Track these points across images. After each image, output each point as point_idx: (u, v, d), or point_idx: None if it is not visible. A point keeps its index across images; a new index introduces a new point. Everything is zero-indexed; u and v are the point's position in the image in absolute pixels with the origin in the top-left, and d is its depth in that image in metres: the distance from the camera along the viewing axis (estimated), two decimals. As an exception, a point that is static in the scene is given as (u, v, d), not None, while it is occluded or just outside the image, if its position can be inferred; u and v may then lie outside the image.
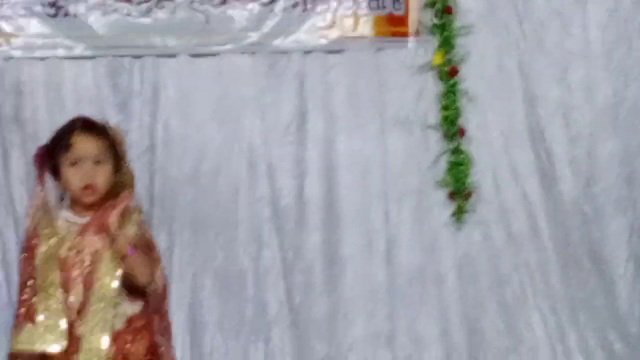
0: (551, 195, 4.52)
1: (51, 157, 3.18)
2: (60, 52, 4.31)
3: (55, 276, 3.05)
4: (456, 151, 4.46)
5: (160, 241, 4.10)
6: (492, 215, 4.51)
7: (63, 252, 3.08)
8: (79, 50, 4.32)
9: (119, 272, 3.04)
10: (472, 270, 4.50)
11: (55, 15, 4.31)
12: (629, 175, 4.57)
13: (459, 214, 4.46)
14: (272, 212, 4.37)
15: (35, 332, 3.05)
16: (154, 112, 4.34)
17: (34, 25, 4.29)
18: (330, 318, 4.40)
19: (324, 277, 4.41)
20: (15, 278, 3.98)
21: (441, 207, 4.49)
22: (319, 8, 4.42)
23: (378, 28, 4.47)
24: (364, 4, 4.44)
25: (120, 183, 3.22)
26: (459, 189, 4.45)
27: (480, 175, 4.50)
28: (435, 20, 4.44)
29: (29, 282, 3.11)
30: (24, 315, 3.08)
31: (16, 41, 4.29)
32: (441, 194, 4.49)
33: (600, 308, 4.52)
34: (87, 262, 3.07)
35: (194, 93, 4.38)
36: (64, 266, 3.06)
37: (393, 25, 4.49)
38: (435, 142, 4.50)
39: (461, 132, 4.44)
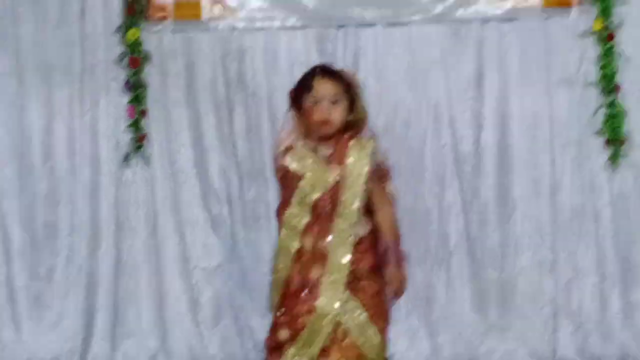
0: None
1: (298, 96, 3.44)
2: (276, 23, 4.83)
3: (309, 207, 3.29)
4: (612, 105, 4.79)
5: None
6: None
7: (316, 194, 3.32)
8: (291, 21, 4.83)
9: (359, 198, 3.26)
10: (625, 207, 4.83)
11: None
12: None
13: (614, 158, 4.80)
14: (453, 158, 4.81)
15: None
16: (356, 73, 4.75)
17: (254, 1, 4.83)
18: (501, 249, 4.84)
19: (497, 214, 4.84)
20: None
21: (599, 153, 4.82)
22: None
23: None
24: None
25: (354, 120, 3.44)
26: (614, 138, 4.79)
27: (633, 125, 4.81)
28: None
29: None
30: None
31: (239, 14, 4.83)
32: (599, 142, 4.82)
33: None
34: (332, 188, 3.27)
35: (388, 57, 4.82)
36: (316, 201, 3.32)
37: None
38: (594, 97, 4.82)
39: (617, 89, 4.77)
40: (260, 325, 4.60)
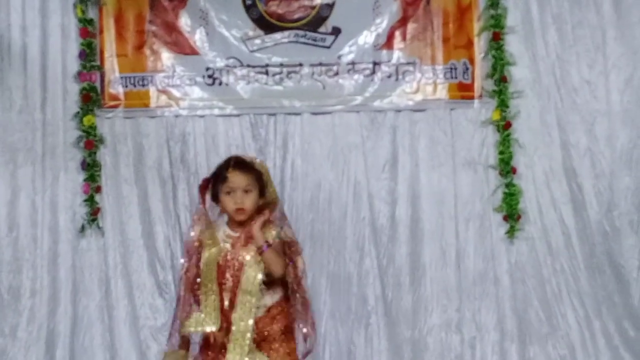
0: (581, 218, 5.25)
1: (213, 186, 3.68)
2: (216, 111, 5.26)
3: (214, 277, 3.54)
4: (509, 185, 5.23)
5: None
6: (537, 233, 5.26)
7: (221, 259, 3.61)
8: (228, 110, 5.26)
9: (261, 270, 3.49)
10: (521, 274, 5.25)
11: (212, 84, 5.26)
12: None
13: (511, 232, 5.24)
14: (371, 230, 5.23)
15: (199, 319, 3.60)
16: (284, 155, 5.22)
17: (196, 92, 5.26)
18: (414, 309, 5.23)
19: (409, 278, 5.24)
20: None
21: (498, 227, 5.26)
22: (407, 78, 5.26)
23: (451, 92, 5.26)
24: (440, 75, 5.26)
25: (265, 204, 3.68)
26: (511, 213, 5.23)
27: (527, 203, 5.25)
28: (494, 87, 5.26)
29: (198, 280, 3.61)
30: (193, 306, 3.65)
31: (183, 103, 5.26)
32: (498, 217, 5.26)
33: (618, 303, 5.23)
34: (237, 266, 3.52)
35: (313, 142, 5.26)
36: (220, 269, 3.56)
37: (462, 91, 5.28)
38: (494, 178, 5.27)
39: (513, 171, 5.22)
40: None
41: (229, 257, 3.57)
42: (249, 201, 3.61)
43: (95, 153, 5.22)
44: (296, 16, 5.26)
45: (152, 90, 5.25)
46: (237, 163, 3.68)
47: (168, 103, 5.24)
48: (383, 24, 5.26)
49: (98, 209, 5.22)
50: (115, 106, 5.25)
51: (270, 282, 3.56)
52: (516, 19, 5.29)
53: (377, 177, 5.28)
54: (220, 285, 3.56)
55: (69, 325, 5.19)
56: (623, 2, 5.29)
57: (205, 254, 3.60)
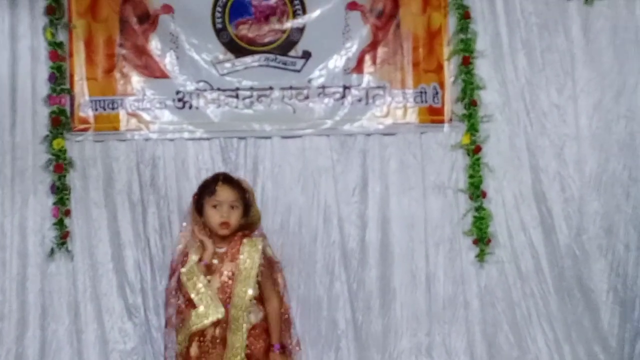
0: (550, 242, 5.30)
1: (197, 199, 3.77)
2: (186, 135, 5.25)
3: (201, 271, 3.65)
4: (479, 209, 5.27)
5: (258, 274, 5.02)
6: (506, 256, 5.31)
7: (203, 279, 3.73)
8: (199, 133, 5.25)
9: (252, 285, 3.62)
10: (491, 298, 5.29)
11: (182, 108, 5.26)
12: (609, 227, 5.32)
13: (481, 255, 5.28)
14: (341, 253, 5.24)
15: (200, 313, 3.67)
16: (254, 179, 5.16)
17: (166, 115, 5.25)
18: (384, 333, 5.27)
19: (379, 302, 5.27)
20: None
21: (468, 250, 5.29)
22: (377, 102, 5.29)
23: (421, 116, 5.29)
24: (410, 99, 5.28)
25: (248, 222, 3.78)
26: (481, 237, 5.27)
27: (497, 227, 5.30)
28: (464, 111, 5.29)
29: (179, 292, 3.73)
30: (184, 310, 3.72)
31: (153, 127, 5.24)
32: (468, 241, 5.30)
33: (588, 327, 5.29)
34: (226, 281, 3.61)
35: (284, 165, 5.26)
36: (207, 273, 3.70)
37: (432, 115, 5.31)
38: (463, 201, 5.30)
39: (483, 195, 5.26)
40: None
41: (218, 270, 3.68)
42: (234, 217, 3.74)
43: (64, 176, 5.20)
44: (266, 40, 5.28)
45: (122, 114, 5.24)
46: (226, 178, 3.83)
47: (138, 126, 5.24)
48: (353, 48, 5.28)
49: (67, 233, 5.21)
50: (85, 129, 5.24)
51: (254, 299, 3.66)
52: (486, 44, 5.33)
53: (347, 200, 5.29)
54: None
55: (38, 350, 5.17)
56: (592, 28, 5.35)
57: (192, 256, 3.72)
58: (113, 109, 5.25)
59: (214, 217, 3.71)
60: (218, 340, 3.75)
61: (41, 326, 5.21)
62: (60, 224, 5.23)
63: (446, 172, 5.34)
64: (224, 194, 3.75)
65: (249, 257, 3.66)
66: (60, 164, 5.20)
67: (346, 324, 5.22)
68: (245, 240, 3.72)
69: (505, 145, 5.35)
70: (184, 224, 4.22)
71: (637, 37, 5.38)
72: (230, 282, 3.62)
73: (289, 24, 5.31)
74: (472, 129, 5.29)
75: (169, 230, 5.22)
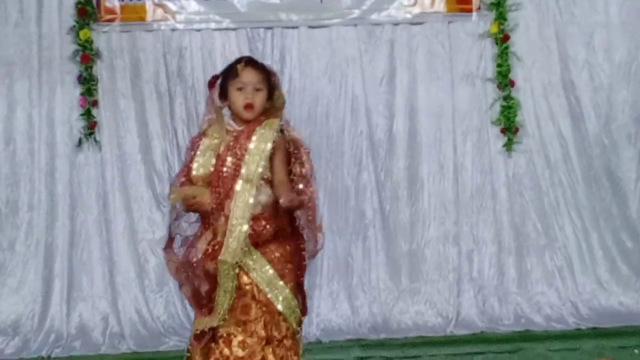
0: (579, 131, 5.35)
1: (222, 83, 3.61)
2: (212, 25, 5.28)
3: (212, 164, 3.46)
4: (507, 98, 5.31)
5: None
6: (534, 146, 5.36)
7: (222, 150, 3.55)
8: (225, 23, 5.29)
9: (263, 162, 3.42)
10: (518, 187, 5.36)
11: None
12: (638, 116, 5.37)
13: (509, 145, 5.33)
14: (369, 144, 5.29)
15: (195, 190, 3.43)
16: (281, 69, 5.21)
17: (193, 5, 5.29)
18: (411, 223, 5.36)
19: (407, 192, 5.35)
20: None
21: (496, 140, 5.34)
22: None
23: (449, 5, 5.31)
24: None
25: (272, 107, 3.64)
26: (509, 127, 5.31)
27: (525, 116, 5.34)
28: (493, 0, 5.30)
29: (189, 165, 3.51)
30: (184, 181, 3.50)
31: (179, 17, 5.28)
32: (496, 130, 5.34)
33: (616, 215, 5.38)
34: (239, 155, 3.44)
35: (311, 55, 5.30)
36: (219, 158, 3.51)
37: (461, 3, 5.32)
38: (491, 91, 5.34)
39: (511, 84, 5.29)
40: None
41: (230, 146, 3.54)
42: (259, 99, 3.60)
43: (91, 67, 5.22)
44: None
45: (149, 4, 5.25)
46: (250, 61, 3.68)
47: (164, 17, 5.25)
48: None
49: (95, 123, 5.25)
50: (112, 20, 5.25)
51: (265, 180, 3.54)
52: None
53: (375, 91, 5.33)
54: (218, 173, 3.52)
55: (67, 239, 5.25)
56: None
57: (205, 142, 3.59)
58: (139, -1, 5.20)
59: (239, 99, 3.59)
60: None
61: (70, 216, 5.28)
62: (87, 114, 5.27)
63: (474, 62, 5.36)
64: (248, 75, 3.60)
65: (263, 136, 3.53)
66: (87, 55, 5.22)
67: (374, 213, 5.28)
68: (264, 121, 3.59)
69: (534, 34, 5.36)
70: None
71: None
72: (242, 157, 3.50)
73: None
74: (501, 18, 5.30)
75: (196, 120, 5.25)
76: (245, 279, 3.45)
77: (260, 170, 3.45)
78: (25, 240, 5.26)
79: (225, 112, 3.63)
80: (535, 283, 5.36)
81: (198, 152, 3.56)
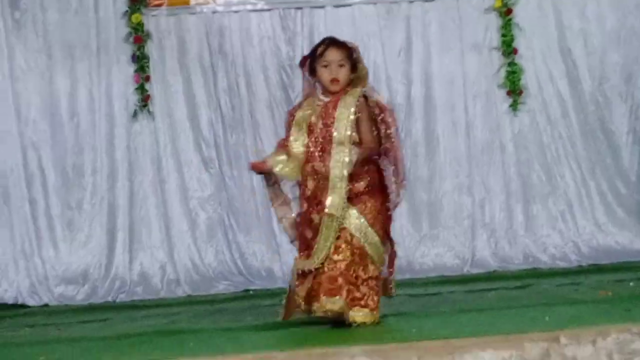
0: (575, 91, 5.85)
1: (310, 63, 3.90)
2: (249, 7, 5.85)
3: (305, 130, 3.79)
4: (511, 64, 5.82)
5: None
6: (537, 105, 5.85)
7: (313, 119, 3.84)
8: (260, 5, 5.85)
9: (350, 126, 3.70)
10: (524, 142, 5.85)
11: None
12: (628, 76, 5.85)
13: (514, 105, 5.84)
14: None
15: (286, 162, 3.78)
16: (310, 45, 5.28)
17: None
18: (430, 176, 5.85)
19: (424, 149, 5.85)
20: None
21: (502, 101, 5.85)
22: None
23: None
24: None
25: (357, 78, 3.91)
26: (514, 89, 5.82)
27: (527, 80, 5.83)
28: None
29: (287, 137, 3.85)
30: (282, 145, 3.81)
31: (220, 0, 5.84)
32: (502, 92, 5.85)
33: (610, 165, 5.86)
34: (328, 124, 3.73)
35: (336, 31, 5.42)
36: (311, 127, 3.83)
37: None
38: (497, 58, 5.85)
39: (514, 51, 5.80)
40: (244, 241, 5.69)
41: (321, 116, 3.83)
42: (342, 73, 3.90)
43: (143, 47, 5.79)
44: None
45: (193, -11, 5.73)
46: (332, 41, 3.96)
47: (206, 1, 5.80)
48: None
49: (148, 96, 5.81)
50: (160, 5, 5.82)
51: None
52: None
53: (394, 61, 5.84)
54: (313, 139, 3.83)
55: (127, 199, 5.81)
56: None
57: (299, 113, 3.96)
58: (184, -14, 5.74)
59: (325, 75, 3.91)
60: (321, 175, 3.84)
61: (129, 178, 5.85)
62: (141, 88, 5.84)
63: (481, 33, 5.86)
64: (331, 54, 3.92)
65: (348, 102, 3.83)
66: (139, 36, 5.80)
67: (396, 169, 5.79)
68: (348, 90, 3.91)
69: (533, 7, 5.87)
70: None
71: None
72: (331, 124, 3.80)
73: None
74: (504, -7, 5.75)
75: (237, 91, 5.86)
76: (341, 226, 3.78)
77: (349, 132, 3.76)
78: (91, 199, 5.81)
79: (317, 85, 4.00)
80: (541, 226, 5.84)
81: (293, 124, 3.88)
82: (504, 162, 5.89)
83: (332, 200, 3.69)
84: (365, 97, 3.85)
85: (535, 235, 5.85)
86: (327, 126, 3.79)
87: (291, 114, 3.96)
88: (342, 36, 5.28)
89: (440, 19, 5.86)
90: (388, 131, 3.87)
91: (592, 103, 5.89)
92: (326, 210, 3.69)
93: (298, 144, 3.85)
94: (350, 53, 3.90)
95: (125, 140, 5.86)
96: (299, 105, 3.97)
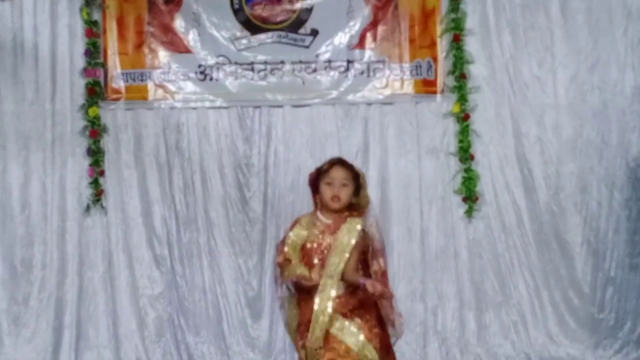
0: (531, 199, 5.83)
1: (314, 180, 4.01)
2: (207, 104, 5.83)
3: (298, 252, 3.86)
4: (468, 170, 5.81)
5: (272, 227, 5.62)
6: (492, 212, 5.83)
7: (308, 245, 3.90)
8: (218, 102, 5.84)
9: (346, 256, 3.74)
10: (478, 249, 5.83)
11: (203, 80, 5.85)
12: (583, 186, 5.84)
13: (469, 212, 5.82)
14: None
15: (293, 268, 3.85)
16: (268, 143, 5.77)
17: (190, 86, 5.85)
18: None
19: None
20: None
21: (457, 207, 5.82)
22: (378, 75, 5.86)
23: (417, 88, 5.85)
24: (407, 72, 5.85)
25: (357, 203, 3.97)
26: (470, 195, 5.81)
27: (484, 186, 5.83)
28: (455, 83, 5.83)
29: (282, 250, 3.91)
30: (283, 262, 3.86)
31: (178, 96, 5.84)
32: (458, 199, 5.83)
33: (564, 275, 5.83)
34: (324, 249, 3.81)
35: (294, 131, 5.81)
36: (306, 251, 3.88)
37: (427, 86, 5.86)
38: (454, 164, 5.83)
39: (471, 157, 5.79)
40: (193, 342, 5.62)
41: (317, 240, 3.90)
42: (345, 193, 3.95)
43: (99, 141, 5.78)
44: (279, 19, 5.84)
45: (150, 85, 5.81)
46: (339, 160, 4.04)
47: (164, 96, 5.81)
48: (356, 26, 5.84)
49: (102, 191, 5.79)
50: (117, 99, 5.80)
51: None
52: (474, 22, 5.86)
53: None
54: (308, 265, 3.90)
55: (76, 294, 5.75)
56: (569, 7, 5.88)
57: (295, 231, 3.98)
58: (142, 80, 5.82)
59: (327, 192, 3.97)
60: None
61: (79, 273, 5.79)
62: (95, 182, 5.82)
63: (438, 138, 5.86)
64: (336, 172, 3.99)
65: (347, 233, 3.85)
66: (95, 130, 5.79)
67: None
68: (348, 219, 3.93)
69: (491, 114, 5.88)
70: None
71: (610, 16, 5.89)
72: (326, 251, 3.86)
73: (298, 5, 5.86)
74: (462, 99, 5.84)
75: (192, 188, 5.83)
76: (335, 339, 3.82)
77: (342, 266, 3.81)
78: (38, 295, 5.74)
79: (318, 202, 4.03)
80: (493, 336, 5.79)
81: (289, 242, 3.95)
82: (458, 268, 5.86)
83: (313, 333, 3.75)
84: (363, 230, 3.88)
85: (487, 344, 5.80)
86: (321, 255, 3.86)
87: (288, 230, 4.03)
88: (300, 136, 5.69)
89: (398, 122, 5.86)
90: (381, 266, 3.92)
91: (547, 212, 5.87)
92: (307, 343, 3.77)
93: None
94: (355, 175, 3.96)
95: (76, 234, 5.81)
96: (298, 221, 4.04)
